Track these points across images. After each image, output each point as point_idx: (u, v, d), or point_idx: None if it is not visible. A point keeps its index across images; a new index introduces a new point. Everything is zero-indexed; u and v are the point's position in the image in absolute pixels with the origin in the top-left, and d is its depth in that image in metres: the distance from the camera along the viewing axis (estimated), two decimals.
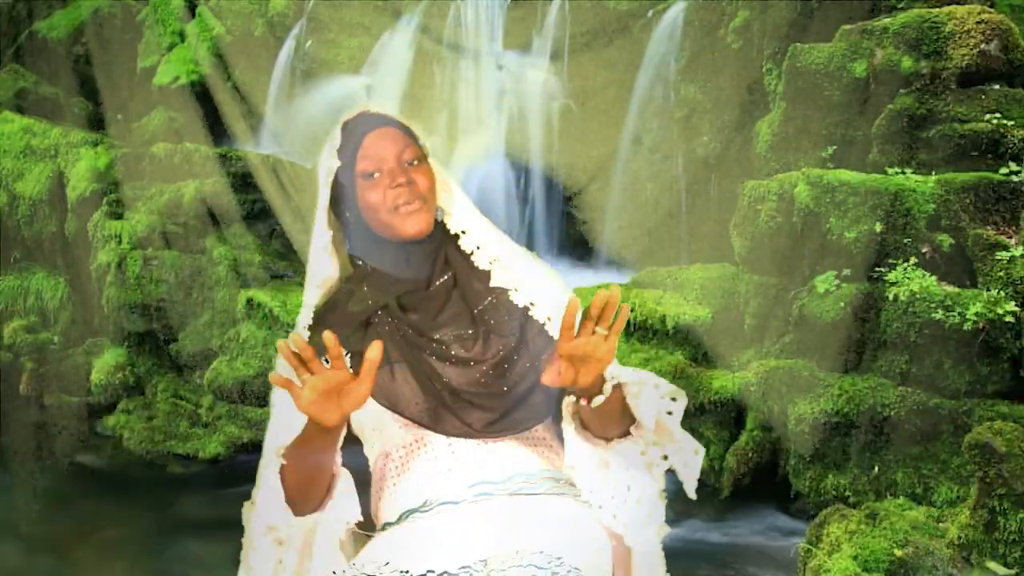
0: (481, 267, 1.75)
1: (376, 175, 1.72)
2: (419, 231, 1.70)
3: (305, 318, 1.76)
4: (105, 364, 5.05)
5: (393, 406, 1.71)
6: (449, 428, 1.69)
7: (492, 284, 1.74)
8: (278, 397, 1.74)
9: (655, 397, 1.67)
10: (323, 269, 1.79)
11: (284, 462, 1.61)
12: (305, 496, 1.63)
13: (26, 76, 6.89)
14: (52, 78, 7.03)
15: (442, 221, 1.78)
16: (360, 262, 1.79)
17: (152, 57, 6.99)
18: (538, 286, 1.75)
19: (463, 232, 1.77)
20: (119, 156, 5.43)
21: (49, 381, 5.28)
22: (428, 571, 1.50)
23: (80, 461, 4.76)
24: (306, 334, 1.72)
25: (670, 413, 1.70)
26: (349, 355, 1.72)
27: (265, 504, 1.64)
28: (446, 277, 1.76)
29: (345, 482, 1.68)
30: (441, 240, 1.77)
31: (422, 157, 1.75)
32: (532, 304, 1.73)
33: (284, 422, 1.69)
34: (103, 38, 7.10)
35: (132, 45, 7.12)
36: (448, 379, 1.70)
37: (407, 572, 1.51)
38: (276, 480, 1.62)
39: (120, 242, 5.12)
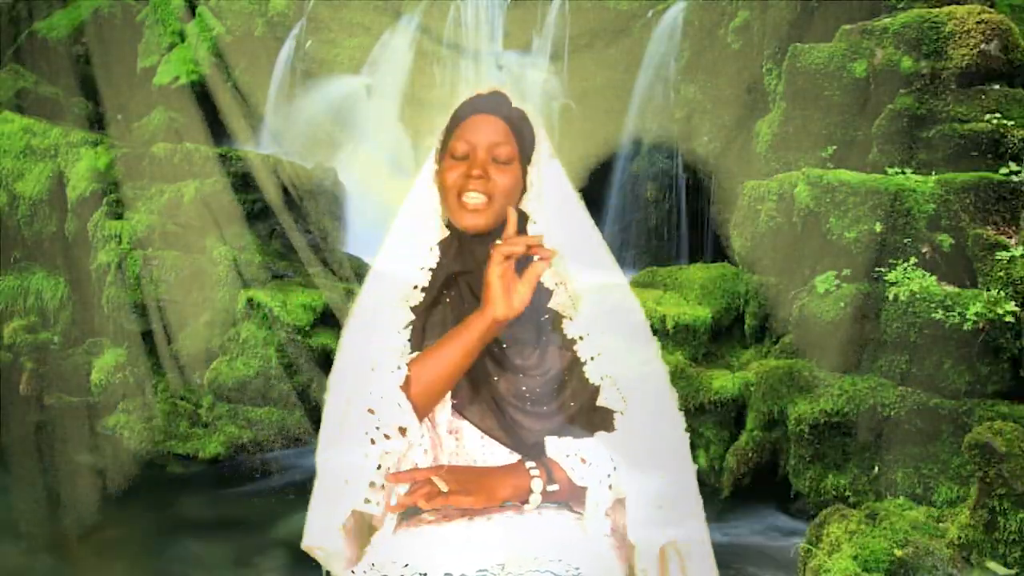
0: (547, 285, 1.69)
1: (462, 158, 1.68)
2: (473, 226, 1.67)
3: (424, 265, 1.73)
4: (105, 364, 5.05)
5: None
6: (488, 428, 1.68)
7: (550, 304, 1.70)
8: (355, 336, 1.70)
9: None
10: (434, 233, 1.74)
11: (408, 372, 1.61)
12: (434, 398, 1.63)
13: (26, 76, 6.90)
14: (52, 78, 7.04)
15: (524, 229, 1.70)
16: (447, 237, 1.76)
17: (152, 57, 6.99)
18: (593, 323, 1.68)
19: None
20: (119, 156, 5.43)
21: (49, 381, 5.28)
22: (446, 574, 1.51)
23: (80, 461, 4.76)
24: (426, 278, 1.71)
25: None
26: (411, 327, 1.71)
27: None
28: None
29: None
30: None
31: (515, 158, 1.69)
32: (580, 338, 1.67)
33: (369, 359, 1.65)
34: (103, 38, 7.11)
35: (132, 45, 7.12)
36: (496, 382, 1.68)
37: (425, 574, 1.51)
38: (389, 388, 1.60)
39: (120, 242, 5.12)
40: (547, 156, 1.73)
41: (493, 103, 1.71)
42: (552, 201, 1.72)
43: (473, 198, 1.66)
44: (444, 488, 1.55)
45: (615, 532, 1.66)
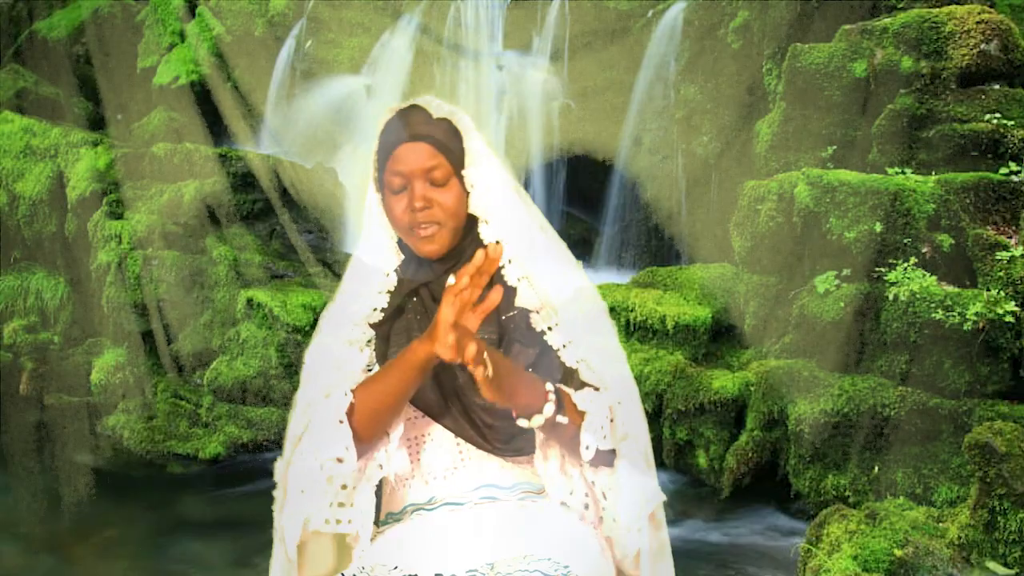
0: (509, 283, 1.69)
1: (400, 191, 1.69)
2: (432, 253, 1.68)
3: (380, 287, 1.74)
4: (105, 364, 5.05)
5: (412, 398, 1.69)
6: (455, 428, 1.68)
7: (516, 303, 1.69)
8: (317, 358, 1.72)
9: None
10: (390, 257, 1.76)
11: (352, 400, 1.62)
12: (379, 424, 1.64)
13: (26, 76, 6.89)
14: (52, 78, 7.03)
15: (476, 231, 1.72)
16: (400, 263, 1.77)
17: (152, 57, 6.99)
18: (560, 310, 1.68)
19: (496, 243, 1.67)
20: (119, 156, 5.43)
21: (49, 381, 5.28)
22: (436, 574, 1.51)
23: (80, 461, 4.75)
24: (383, 304, 1.72)
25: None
26: (375, 337, 1.72)
27: (320, 441, 1.63)
28: None
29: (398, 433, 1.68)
30: (475, 246, 1.69)
31: (451, 175, 1.68)
32: (549, 329, 1.68)
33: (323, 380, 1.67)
34: (103, 38, 7.11)
35: (132, 45, 7.12)
36: (461, 385, 1.67)
37: None
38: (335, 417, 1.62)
39: (120, 242, 5.12)
40: (480, 153, 1.71)
41: (415, 125, 1.68)
42: (496, 196, 1.71)
43: (424, 228, 1.66)
44: (490, 372, 1.52)
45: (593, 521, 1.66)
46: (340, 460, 1.60)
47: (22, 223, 5.62)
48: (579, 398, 1.62)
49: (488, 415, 1.66)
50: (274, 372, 4.69)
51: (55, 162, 5.59)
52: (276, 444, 4.68)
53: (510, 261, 1.69)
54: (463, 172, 1.70)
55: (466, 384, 1.66)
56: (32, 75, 6.94)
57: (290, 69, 6.75)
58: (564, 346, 1.67)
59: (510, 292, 1.70)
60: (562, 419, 1.59)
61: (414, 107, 1.71)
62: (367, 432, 1.63)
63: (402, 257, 1.76)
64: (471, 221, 1.71)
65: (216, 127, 6.61)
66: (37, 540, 3.94)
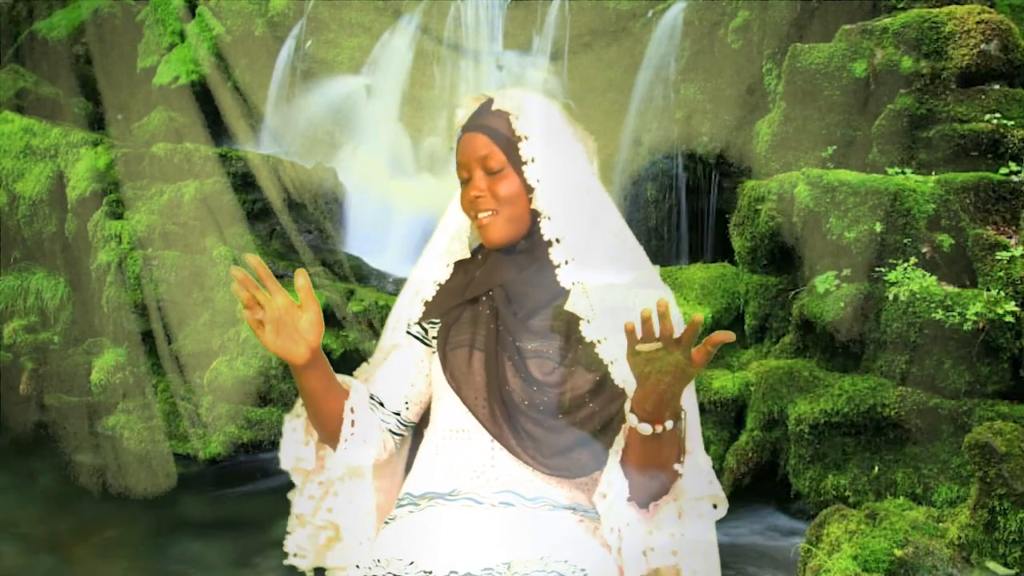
0: (563, 284, 1.65)
1: (466, 182, 1.70)
2: (497, 240, 1.67)
3: (428, 290, 1.78)
4: (105, 364, 5.04)
5: (458, 389, 1.67)
6: (497, 434, 1.64)
7: (566, 307, 1.63)
8: None
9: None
10: (454, 249, 1.80)
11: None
12: (326, 435, 1.75)
13: (26, 76, 6.89)
14: (52, 78, 7.03)
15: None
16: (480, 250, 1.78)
17: (152, 57, 6.99)
18: (613, 321, 1.58)
19: (556, 240, 1.65)
20: (119, 156, 5.43)
21: (49, 381, 5.28)
22: (451, 572, 1.50)
23: (80, 461, 4.75)
24: (420, 309, 1.77)
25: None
26: (439, 325, 1.74)
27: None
28: (557, 285, 1.67)
29: (359, 428, 1.72)
30: (538, 249, 1.68)
31: (505, 164, 1.66)
32: (600, 341, 1.61)
33: None
34: (103, 38, 7.10)
35: (132, 45, 7.12)
36: (511, 390, 1.63)
37: (430, 573, 1.51)
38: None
39: (120, 242, 5.12)
40: (546, 148, 1.67)
41: (476, 117, 1.71)
42: (560, 193, 1.68)
43: (482, 216, 1.67)
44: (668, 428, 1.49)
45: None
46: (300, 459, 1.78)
47: (22, 223, 5.62)
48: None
49: (535, 426, 1.62)
50: (274, 372, 4.68)
51: (55, 162, 5.59)
52: (276, 444, 4.66)
53: (567, 262, 1.65)
54: (522, 167, 1.67)
55: (526, 400, 1.63)
56: (32, 75, 6.94)
57: (290, 69, 6.75)
58: (613, 362, 1.60)
59: (562, 296, 1.65)
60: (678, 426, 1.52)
61: (482, 99, 1.74)
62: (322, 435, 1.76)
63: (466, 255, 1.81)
64: (535, 219, 1.68)
65: (216, 127, 6.61)
66: (37, 540, 3.94)
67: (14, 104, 6.49)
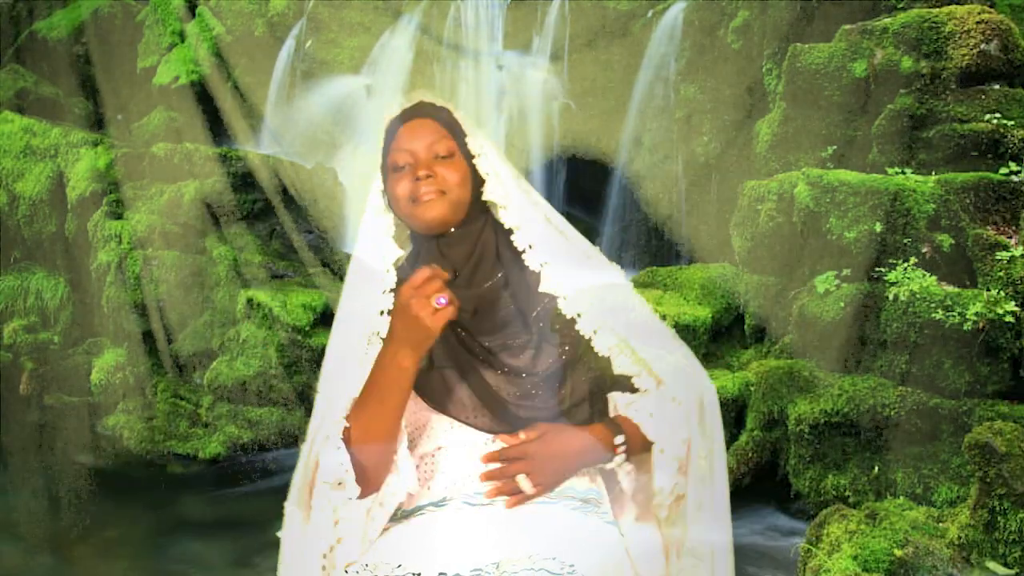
0: (532, 268, 1.68)
1: (405, 167, 1.70)
2: (435, 218, 1.66)
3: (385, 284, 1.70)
4: (105, 364, 5.04)
5: (444, 410, 1.67)
6: (501, 431, 1.66)
7: (540, 289, 1.67)
8: (336, 365, 1.69)
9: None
10: (387, 253, 1.74)
11: (348, 424, 1.59)
12: (380, 442, 1.61)
13: (26, 76, 6.89)
14: (52, 78, 7.03)
15: (493, 215, 1.71)
16: (406, 258, 1.77)
17: (152, 57, 6.99)
18: (588, 295, 1.66)
19: (516, 227, 1.69)
20: (119, 156, 5.43)
21: (49, 381, 5.28)
22: (440, 573, 1.51)
23: (80, 461, 4.76)
24: (387, 306, 1.66)
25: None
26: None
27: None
28: (496, 278, 1.70)
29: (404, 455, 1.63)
30: (484, 241, 1.71)
31: (455, 151, 1.70)
32: (579, 316, 1.65)
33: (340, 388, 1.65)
34: (103, 38, 7.10)
35: (132, 45, 7.12)
36: (497, 389, 1.65)
37: (419, 574, 1.52)
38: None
39: (120, 242, 5.12)
40: (485, 144, 1.73)
41: (419, 110, 1.74)
42: (510, 184, 1.72)
43: (426, 195, 1.66)
44: (530, 491, 1.57)
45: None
46: (340, 484, 1.58)
47: (22, 223, 5.62)
48: (649, 427, 1.60)
49: (529, 412, 1.65)
50: (274, 372, 4.68)
51: (55, 162, 5.59)
52: (276, 444, 4.68)
53: (530, 246, 1.68)
54: (474, 160, 1.71)
55: (504, 390, 1.65)
56: (32, 75, 6.94)
57: (290, 69, 6.75)
58: (596, 332, 1.65)
59: (532, 279, 1.68)
60: (628, 466, 1.61)
61: (419, 101, 1.77)
62: (369, 454, 1.59)
63: (401, 252, 1.76)
64: (476, 214, 1.71)
65: (216, 127, 6.61)
66: (37, 540, 3.94)
67: (14, 104, 6.49)
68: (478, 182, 1.72)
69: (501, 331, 1.67)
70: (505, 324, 1.68)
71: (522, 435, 1.61)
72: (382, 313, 1.66)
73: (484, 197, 1.71)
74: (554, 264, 1.68)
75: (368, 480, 1.59)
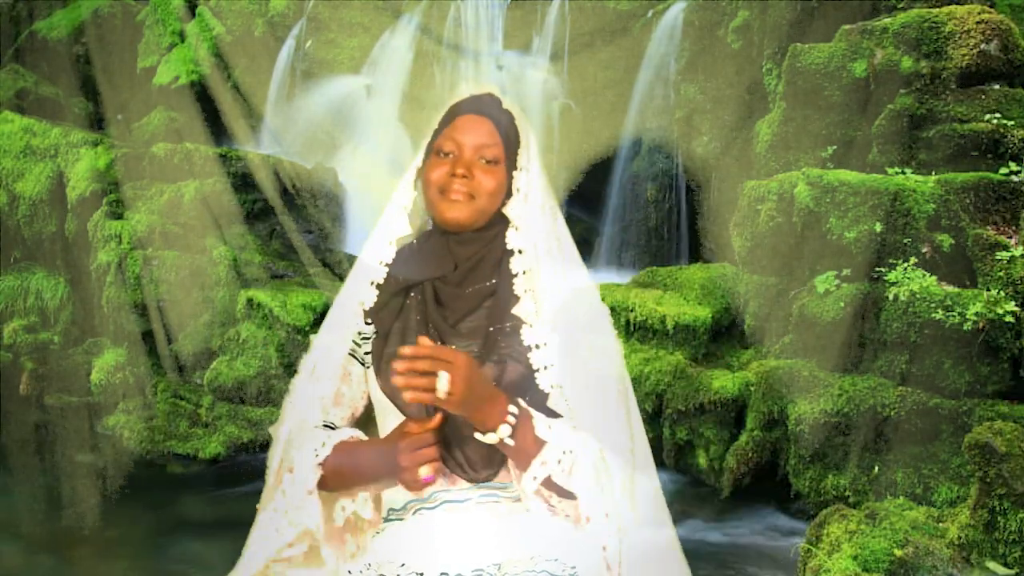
0: (517, 292, 1.68)
1: (448, 156, 1.70)
2: (455, 219, 1.67)
3: (377, 262, 1.74)
4: (105, 364, 5.04)
5: (393, 397, 1.68)
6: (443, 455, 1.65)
7: (514, 311, 1.67)
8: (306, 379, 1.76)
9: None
10: (397, 228, 1.75)
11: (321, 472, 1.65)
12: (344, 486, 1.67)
13: (26, 76, 6.89)
14: (52, 78, 7.03)
15: (503, 232, 1.71)
16: (414, 239, 1.78)
17: (152, 57, 6.99)
18: (555, 332, 1.65)
19: (519, 251, 1.69)
20: (119, 156, 5.43)
21: (49, 381, 5.28)
22: (442, 573, 1.52)
23: (80, 461, 4.75)
24: (379, 278, 1.72)
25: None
26: (375, 333, 1.73)
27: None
28: (487, 284, 1.70)
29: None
30: (493, 248, 1.71)
31: (501, 160, 1.69)
32: (537, 347, 1.64)
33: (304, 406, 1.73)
34: (103, 38, 7.10)
35: (132, 45, 7.12)
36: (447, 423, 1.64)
37: (421, 574, 1.53)
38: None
39: (120, 242, 5.12)
40: (533, 158, 1.73)
41: (484, 105, 1.72)
42: (534, 206, 1.72)
43: (456, 193, 1.67)
44: (443, 394, 1.52)
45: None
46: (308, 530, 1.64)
47: (22, 223, 5.62)
48: (542, 427, 1.58)
49: (469, 448, 1.64)
50: (274, 372, 4.68)
51: (55, 162, 5.59)
52: None
53: (524, 272, 1.68)
54: (514, 172, 1.72)
55: (455, 424, 1.63)
56: (32, 75, 6.94)
57: (290, 69, 6.75)
58: (545, 368, 1.64)
59: (508, 301, 1.68)
60: (509, 442, 1.57)
61: (489, 93, 1.75)
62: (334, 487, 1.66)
63: (408, 231, 1.77)
64: (495, 222, 1.71)
65: (216, 127, 6.61)
66: (37, 540, 3.94)
67: (14, 104, 6.49)
68: (510, 194, 1.72)
69: (465, 337, 1.67)
70: (472, 332, 1.68)
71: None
72: (372, 284, 1.71)
73: (504, 210, 1.71)
74: (536, 295, 1.67)
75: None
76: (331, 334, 1.76)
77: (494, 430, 1.55)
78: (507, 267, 1.70)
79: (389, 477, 1.60)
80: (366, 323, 1.73)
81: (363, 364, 1.74)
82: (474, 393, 1.53)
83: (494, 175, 1.69)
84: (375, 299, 1.72)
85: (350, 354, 1.74)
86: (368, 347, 1.73)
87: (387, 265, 1.72)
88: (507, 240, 1.70)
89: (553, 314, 1.67)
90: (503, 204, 1.72)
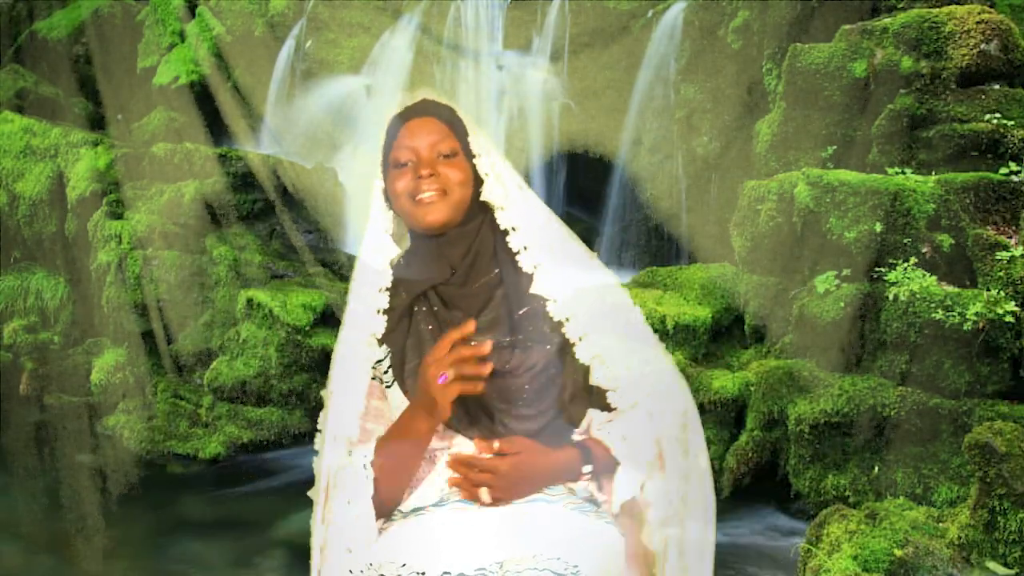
0: (525, 270, 1.69)
1: (407, 164, 1.71)
2: (435, 221, 1.68)
3: (376, 290, 1.74)
4: (105, 364, 5.04)
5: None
6: (483, 432, 1.67)
7: (532, 291, 1.67)
8: (342, 383, 1.72)
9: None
10: (387, 251, 1.77)
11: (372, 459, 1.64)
12: (399, 484, 1.67)
13: (26, 76, 6.89)
14: (52, 78, 7.03)
15: (492, 215, 1.73)
16: (403, 256, 1.78)
17: (152, 57, 6.99)
18: (579, 300, 1.67)
19: (513, 229, 1.70)
20: (119, 156, 5.43)
21: (49, 381, 5.28)
22: (444, 572, 1.52)
23: (80, 461, 4.76)
24: (383, 304, 1.71)
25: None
26: (389, 352, 1.73)
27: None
28: (492, 275, 1.71)
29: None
30: (483, 239, 1.72)
31: (458, 151, 1.71)
32: (567, 320, 1.65)
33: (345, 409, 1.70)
34: (103, 38, 7.10)
35: (132, 45, 7.12)
36: (484, 393, 1.64)
37: (423, 574, 1.52)
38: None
39: (120, 242, 5.12)
40: (487, 145, 1.75)
41: (425, 106, 1.75)
42: (510, 185, 1.74)
43: (427, 195, 1.68)
44: (487, 500, 1.58)
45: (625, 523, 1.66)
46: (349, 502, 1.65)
47: (22, 223, 5.62)
48: (621, 450, 1.63)
49: (516, 422, 1.66)
50: (274, 372, 4.68)
51: (55, 162, 5.59)
52: (276, 444, 4.68)
53: (525, 248, 1.69)
54: (475, 160, 1.73)
55: (494, 394, 1.65)
56: (32, 75, 6.94)
57: (290, 69, 6.75)
58: (581, 339, 1.66)
59: (525, 280, 1.69)
60: (600, 496, 1.64)
61: (423, 99, 1.78)
62: (393, 499, 1.67)
63: (399, 251, 1.77)
64: (475, 213, 1.71)
65: (216, 127, 6.61)
66: (37, 540, 3.94)
67: (14, 104, 6.49)
68: (478, 181, 1.73)
69: (488, 332, 1.67)
70: (493, 325, 1.68)
71: (496, 444, 1.62)
72: (378, 312, 1.70)
73: (483, 197, 1.72)
74: (547, 267, 1.69)
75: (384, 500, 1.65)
76: (347, 367, 1.75)
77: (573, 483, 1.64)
78: (506, 251, 1.71)
79: (421, 398, 1.61)
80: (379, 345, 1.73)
81: (387, 385, 1.74)
82: (532, 483, 1.60)
83: (457, 166, 1.70)
84: (384, 326, 1.72)
85: (372, 378, 1.74)
86: (386, 367, 1.74)
87: (387, 290, 1.72)
88: (498, 221, 1.71)
89: (574, 293, 1.67)
90: (479, 193, 1.72)
